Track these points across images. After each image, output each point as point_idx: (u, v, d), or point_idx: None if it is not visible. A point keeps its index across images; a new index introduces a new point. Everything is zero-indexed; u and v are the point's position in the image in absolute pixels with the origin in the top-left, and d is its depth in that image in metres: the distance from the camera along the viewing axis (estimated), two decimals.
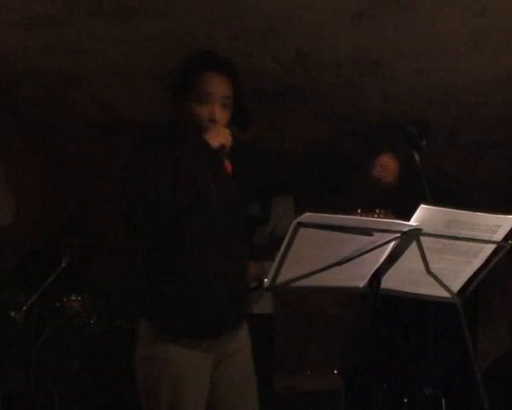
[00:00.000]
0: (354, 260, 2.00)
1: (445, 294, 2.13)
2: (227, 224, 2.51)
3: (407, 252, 2.02)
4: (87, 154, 5.43)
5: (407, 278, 2.11)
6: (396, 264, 2.06)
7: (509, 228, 1.99)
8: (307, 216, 1.84)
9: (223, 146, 2.40)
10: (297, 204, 3.87)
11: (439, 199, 2.08)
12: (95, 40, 3.69)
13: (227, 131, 2.42)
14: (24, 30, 3.60)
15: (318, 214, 1.86)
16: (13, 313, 4.05)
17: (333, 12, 3.31)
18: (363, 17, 3.33)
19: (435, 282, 2.08)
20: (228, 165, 2.44)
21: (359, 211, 2.98)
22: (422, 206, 1.91)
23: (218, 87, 2.46)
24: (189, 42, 3.65)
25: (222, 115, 2.47)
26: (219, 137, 2.39)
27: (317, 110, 4.47)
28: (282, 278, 1.98)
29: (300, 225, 1.85)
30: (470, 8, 3.19)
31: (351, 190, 4.59)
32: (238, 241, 2.58)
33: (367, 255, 1.99)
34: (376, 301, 2.14)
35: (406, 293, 2.18)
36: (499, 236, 2.01)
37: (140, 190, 2.30)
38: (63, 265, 4.20)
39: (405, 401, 4.37)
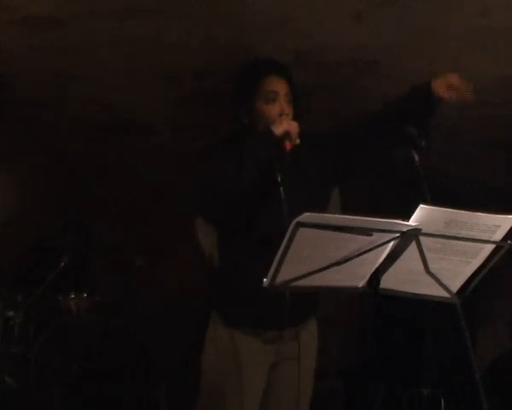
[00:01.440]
0: (353, 260, 1.99)
1: (445, 294, 2.13)
2: None
3: (406, 252, 2.02)
4: (86, 154, 5.43)
5: (406, 277, 2.11)
6: (395, 264, 2.06)
7: (508, 228, 1.99)
8: (306, 216, 1.85)
9: (288, 133, 2.47)
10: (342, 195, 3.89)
11: (438, 199, 2.08)
12: (94, 40, 3.69)
13: (293, 122, 2.52)
14: (23, 29, 3.60)
15: (317, 214, 1.87)
16: (12, 313, 4.05)
17: (332, 12, 3.31)
18: (363, 17, 3.33)
19: (434, 282, 2.08)
20: (288, 145, 2.48)
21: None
22: (422, 206, 1.91)
23: (281, 86, 2.65)
24: (188, 42, 3.65)
25: (289, 110, 2.63)
26: (283, 125, 2.49)
27: (315, 110, 4.47)
28: (281, 278, 1.99)
29: (299, 224, 1.85)
30: (470, 8, 3.19)
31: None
32: None
33: (366, 255, 1.99)
34: (375, 301, 2.14)
35: (405, 293, 2.18)
36: (498, 236, 2.00)
37: (208, 179, 2.52)
38: (62, 265, 4.20)
39: (404, 401, 4.37)
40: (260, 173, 2.46)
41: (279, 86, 2.64)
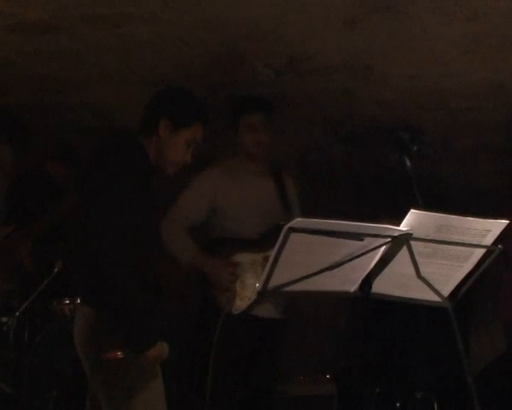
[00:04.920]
0: (345, 265, 2.01)
1: (436, 298, 2.15)
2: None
3: (398, 256, 2.03)
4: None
5: (398, 282, 2.12)
6: (387, 268, 2.07)
7: (498, 232, 2.01)
8: (298, 221, 1.86)
9: None
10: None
11: (431, 204, 2.09)
12: (88, 46, 3.69)
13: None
14: (17, 36, 3.60)
15: (309, 219, 1.88)
16: (6, 319, 4.04)
17: (325, 17, 3.32)
18: (356, 23, 3.34)
19: (426, 286, 2.10)
20: None
21: None
22: (412, 211, 1.92)
23: (201, 135, 2.78)
24: (181, 48, 3.66)
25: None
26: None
27: (310, 116, 4.48)
28: (273, 282, 1.99)
29: (292, 230, 1.86)
30: (461, 14, 3.20)
31: None
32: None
33: (358, 260, 2.00)
34: (368, 306, 2.15)
35: (397, 297, 2.20)
36: (489, 240, 2.02)
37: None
38: (56, 270, 4.18)
39: (398, 404, 4.37)
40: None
41: (201, 136, 2.77)
